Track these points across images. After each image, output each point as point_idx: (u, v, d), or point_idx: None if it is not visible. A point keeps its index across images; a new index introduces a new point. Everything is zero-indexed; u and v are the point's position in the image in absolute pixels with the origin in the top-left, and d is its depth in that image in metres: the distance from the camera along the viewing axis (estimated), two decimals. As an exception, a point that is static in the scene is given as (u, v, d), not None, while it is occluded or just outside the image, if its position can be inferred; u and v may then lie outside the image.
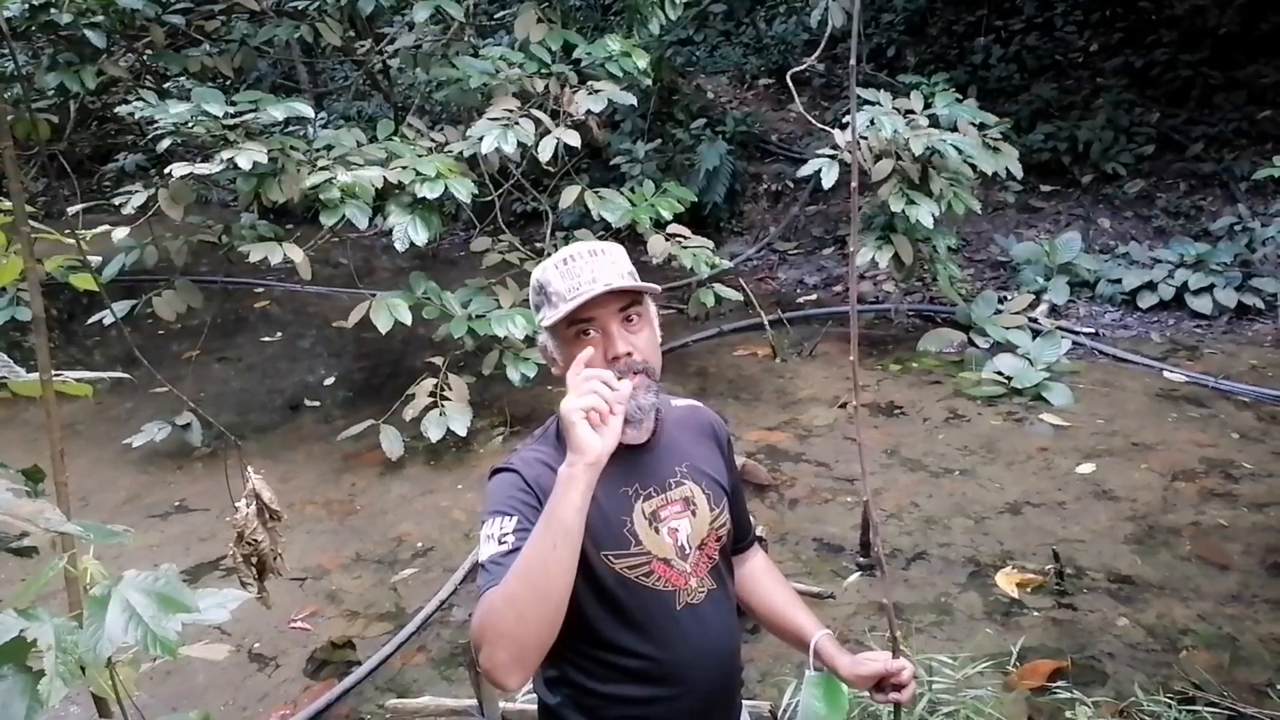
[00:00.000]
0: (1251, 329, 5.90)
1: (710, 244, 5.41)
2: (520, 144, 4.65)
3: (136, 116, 4.88)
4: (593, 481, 1.27)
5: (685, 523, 1.51)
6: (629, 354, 1.39)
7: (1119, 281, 6.32)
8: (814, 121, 2.13)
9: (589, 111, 4.90)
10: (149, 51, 5.80)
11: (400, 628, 3.56)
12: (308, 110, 4.59)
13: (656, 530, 1.48)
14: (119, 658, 1.37)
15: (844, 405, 5.22)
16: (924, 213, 5.27)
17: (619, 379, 1.36)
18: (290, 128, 6.02)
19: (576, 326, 1.40)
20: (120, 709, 1.38)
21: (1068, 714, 2.80)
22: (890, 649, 1.60)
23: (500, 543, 1.36)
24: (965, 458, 4.62)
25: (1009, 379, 5.32)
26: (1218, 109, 7.75)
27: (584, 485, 1.26)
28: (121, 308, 4.80)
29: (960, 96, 5.81)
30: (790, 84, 1.84)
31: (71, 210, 4.16)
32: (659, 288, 1.46)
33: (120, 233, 4.74)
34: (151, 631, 1.20)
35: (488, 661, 1.28)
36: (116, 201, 4.63)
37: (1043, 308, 6.23)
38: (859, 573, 3.72)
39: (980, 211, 6.28)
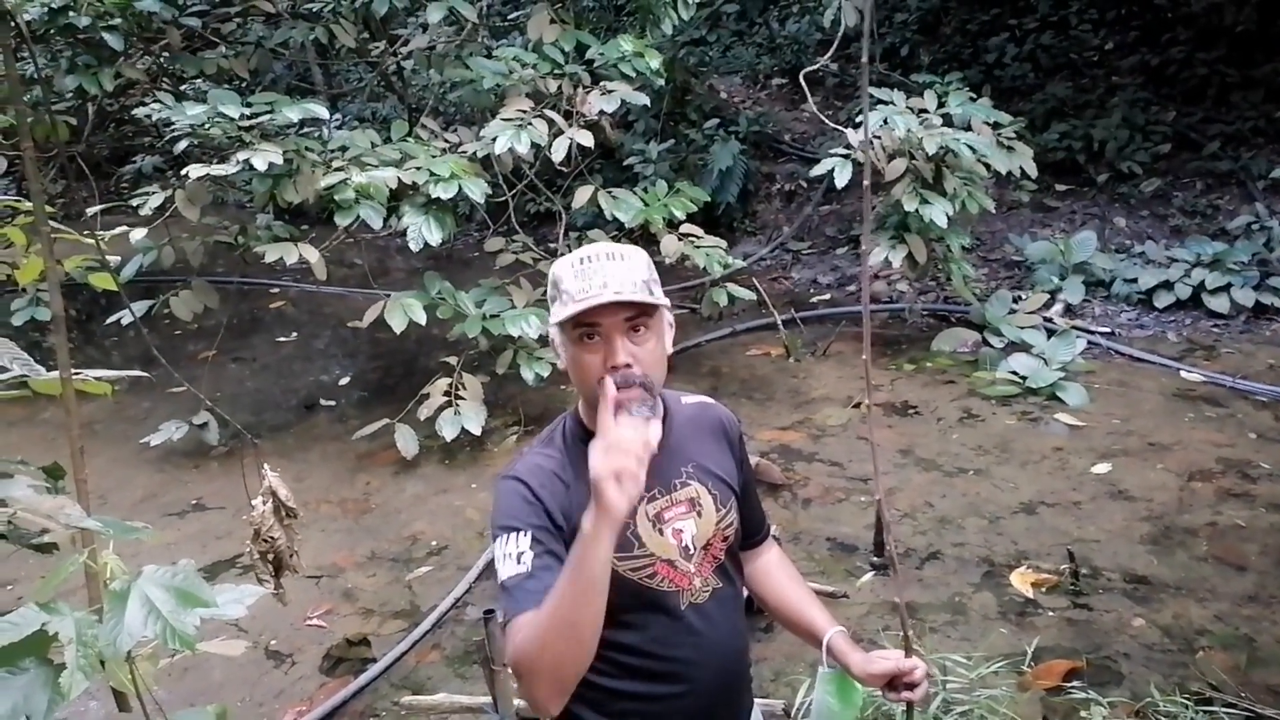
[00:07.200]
0: (1269, 328, 5.85)
1: (723, 244, 5.41)
2: (534, 144, 4.66)
3: (154, 118, 4.92)
4: (616, 534, 1.29)
5: (690, 523, 1.51)
6: (628, 365, 1.38)
7: (1135, 281, 6.28)
8: (827, 121, 2.13)
9: (602, 112, 4.91)
10: (166, 54, 5.84)
11: (415, 625, 3.58)
12: (323, 111, 4.62)
13: (660, 532, 1.48)
14: (138, 652, 1.39)
15: (857, 405, 5.21)
16: (938, 212, 5.25)
17: (618, 388, 1.35)
18: (305, 129, 6.04)
19: (581, 329, 1.40)
20: (140, 703, 1.39)
21: (1083, 714, 2.78)
22: (903, 648, 1.59)
23: (519, 563, 1.38)
24: (979, 457, 4.60)
25: (1024, 378, 5.30)
26: (1234, 107, 7.68)
27: (609, 540, 1.28)
28: (139, 308, 4.83)
29: (974, 95, 5.78)
30: (803, 84, 1.84)
31: (90, 211, 4.19)
32: (668, 302, 1.45)
33: (138, 234, 4.78)
34: (170, 626, 1.22)
35: (529, 695, 1.34)
36: (134, 203, 4.67)
37: (1058, 307, 6.20)
38: (873, 572, 3.72)
39: (994, 211, 6.25)
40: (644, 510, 1.48)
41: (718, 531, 1.54)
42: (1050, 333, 5.75)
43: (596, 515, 1.26)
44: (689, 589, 1.50)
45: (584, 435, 1.48)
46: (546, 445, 1.53)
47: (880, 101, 5.43)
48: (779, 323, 6.16)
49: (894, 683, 1.54)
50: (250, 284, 8.12)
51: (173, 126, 4.53)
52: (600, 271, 1.38)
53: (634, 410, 1.36)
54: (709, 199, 6.25)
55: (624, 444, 1.27)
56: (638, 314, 1.39)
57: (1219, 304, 5.94)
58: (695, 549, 1.51)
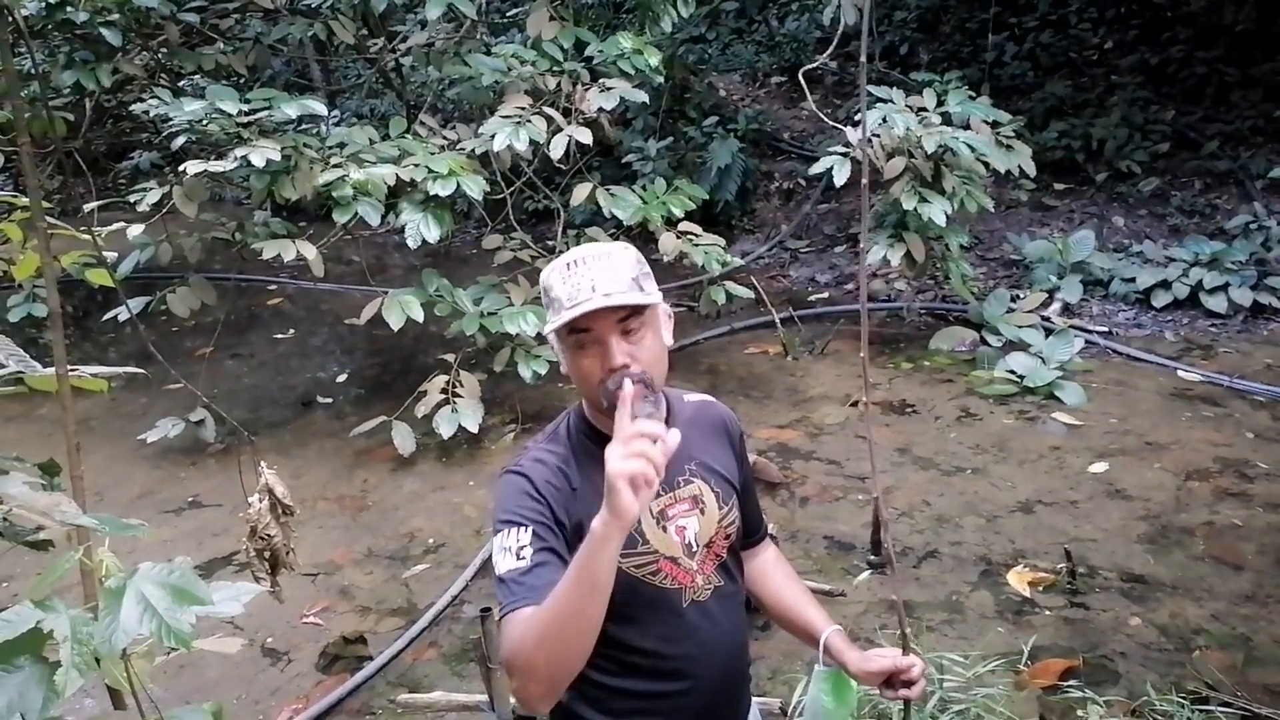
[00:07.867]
0: (1267, 328, 5.85)
1: (722, 241, 5.40)
2: (532, 141, 4.66)
3: (151, 114, 4.90)
4: (624, 538, 1.26)
5: (693, 521, 1.51)
6: (625, 365, 1.36)
7: (1133, 280, 6.28)
8: (826, 119, 2.12)
9: (601, 109, 4.90)
10: (164, 49, 5.83)
11: (412, 623, 3.58)
12: (321, 108, 4.61)
13: (664, 529, 1.49)
14: (133, 650, 1.38)
15: (855, 403, 5.21)
16: (936, 211, 5.25)
17: (619, 386, 1.33)
18: (303, 125, 6.04)
19: (576, 335, 1.39)
20: (135, 701, 1.39)
21: (1079, 713, 2.79)
22: (900, 646, 1.59)
23: (519, 558, 1.37)
24: (977, 456, 4.60)
25: (1021, 377, 5.30)
26: (1234, 106, 7.69)
27: (617, 544, 1.25)
28: (136, 304, 4.82)
29: (973, 94, 5.78)
30: (803, 81, 1.84)
31: (87, 207, 4.18)
32: (658, 298, 1.43)
33: (135, 230, 4.77)
34: (166, 623, 1.21)
35: (522, 692, 1.33)
36: (131, 199, 4.66)
37: (1056, 306, 6.20)
38: (870, 571, 3.72)
39: (993, 209, 6.25)
40: (648, 508, 1.47)
41: (720, 529, 1.54)
42: (1048, 332, 5.75)
43: (608, 518, 1.23)
44: (692, 586, 1.50)
45: (588, 431, 1.49)
46: (551, 441, 1.52)
47: (879, 100, 5.42)
48: (777, 321, 6.16)
49: (891, 681, 1.54)
50: (248, 281, 8.10)
51: (170, 122, 4.51)
52: (588, 274, 1.37)
53: (635, 408, 1.35)
54: (707, 197, 6.25)
55: (643, 449, 1.22)
56: (630, 313, 1.38)
57: (1217, 303, 5.94)
58: (698, 546, 1.51)
